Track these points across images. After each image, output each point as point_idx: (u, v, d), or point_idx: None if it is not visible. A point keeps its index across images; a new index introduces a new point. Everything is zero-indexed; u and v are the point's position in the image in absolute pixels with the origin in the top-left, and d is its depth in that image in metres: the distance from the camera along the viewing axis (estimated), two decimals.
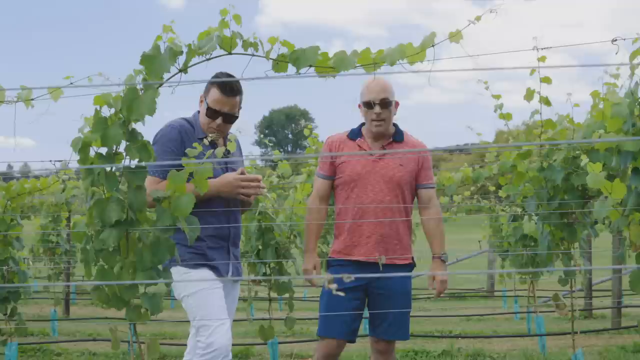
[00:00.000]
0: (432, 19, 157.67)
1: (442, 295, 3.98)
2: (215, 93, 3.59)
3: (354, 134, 4.02)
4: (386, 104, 3.84)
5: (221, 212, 3.60)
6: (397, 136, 3.99)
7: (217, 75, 3.55)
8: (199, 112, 3.70)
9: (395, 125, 4.01)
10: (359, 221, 3.87)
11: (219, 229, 3.59)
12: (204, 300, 3.46)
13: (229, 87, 3.56)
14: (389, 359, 3.98)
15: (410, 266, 3.99)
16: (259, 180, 3.59)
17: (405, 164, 3.92)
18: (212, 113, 3.60)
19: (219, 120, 3.61)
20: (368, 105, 3.87)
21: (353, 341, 3.98)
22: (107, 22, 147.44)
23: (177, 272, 3.50)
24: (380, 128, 3.89)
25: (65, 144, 2.98)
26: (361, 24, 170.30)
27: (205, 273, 3.53)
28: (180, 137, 3.53)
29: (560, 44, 4.33)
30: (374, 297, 3.91)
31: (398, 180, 3.88)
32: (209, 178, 3.37)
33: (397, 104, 3.92)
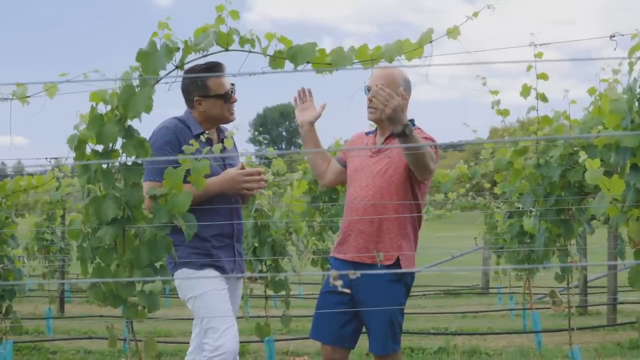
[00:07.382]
0: (422, 15, 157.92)
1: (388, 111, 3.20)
2: (213, 81, 3.52)
3: (371, 131, 3.84)
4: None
5: (225, 209, 3.54)
6: None
7: (192, 69, 3.43)
8: (190, 111, 3.61)
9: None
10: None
11: (223, 227, 3.52)
12: (212, 302, 3.40)
13: (215, 67, 3.49)
14: None
15: (395, 268, 3.55)
16: (260, 174, 3.55)
17: (394, 157, 3.60)
18: (227, 95, 3.56)
19: (235, 97, 3.61)
20: (366, 90, 3.62)
21: (344, 347, 3.68)
22: (96, 21, 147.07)
23: (182, 273, 3.46)
24: (372, 115, 3.64)
25: (60, 142, 2.96)
26: (350, 20, 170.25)
27: (211, 274, 3.46)
28: (177, 138, 3.44)
29: (552, 40, 4.34)
30: (357, 305, 3.58)
31: (384, 175, 3.60)
32: (211, 176, 3.34)
33: (404, 97, 3.42)
